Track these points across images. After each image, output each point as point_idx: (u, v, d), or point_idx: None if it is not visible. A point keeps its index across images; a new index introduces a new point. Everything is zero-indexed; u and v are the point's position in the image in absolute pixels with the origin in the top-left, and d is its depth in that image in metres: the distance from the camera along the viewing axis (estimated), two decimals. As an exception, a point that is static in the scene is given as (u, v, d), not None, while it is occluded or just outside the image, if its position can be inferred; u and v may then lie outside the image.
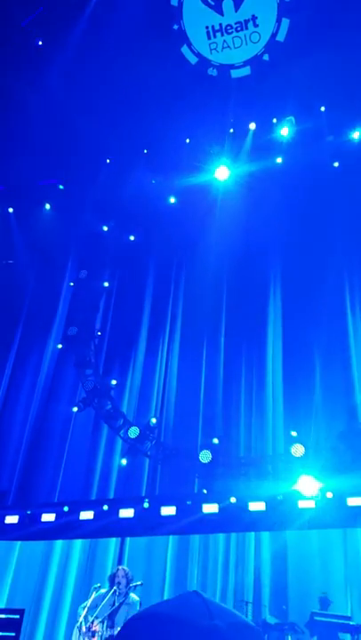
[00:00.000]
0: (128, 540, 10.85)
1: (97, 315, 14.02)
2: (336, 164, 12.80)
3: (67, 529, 11.26)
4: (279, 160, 13.21)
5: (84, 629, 6.14)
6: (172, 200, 13.97)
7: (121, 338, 13.56)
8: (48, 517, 11.42)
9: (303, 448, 10.56)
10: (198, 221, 13.23)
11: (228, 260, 12.69)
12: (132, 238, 14.31)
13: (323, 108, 12.72)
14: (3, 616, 10.68)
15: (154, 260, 14.17)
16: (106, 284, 14.39)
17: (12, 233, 15.20)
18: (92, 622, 6.15)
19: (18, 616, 10.67)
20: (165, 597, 9.78)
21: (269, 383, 11.67)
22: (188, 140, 13.65)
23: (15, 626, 10.49)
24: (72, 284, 14.71)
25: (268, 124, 13.22)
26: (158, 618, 0.70)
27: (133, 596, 6.48)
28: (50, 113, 13.11)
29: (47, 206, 14.95)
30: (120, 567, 6.91)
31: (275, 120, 13.18)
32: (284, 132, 13.20)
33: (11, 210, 15.19)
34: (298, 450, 10.59)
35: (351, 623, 8.23)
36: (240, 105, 13.00)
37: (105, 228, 14.42)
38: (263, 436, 11.17)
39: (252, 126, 13.38)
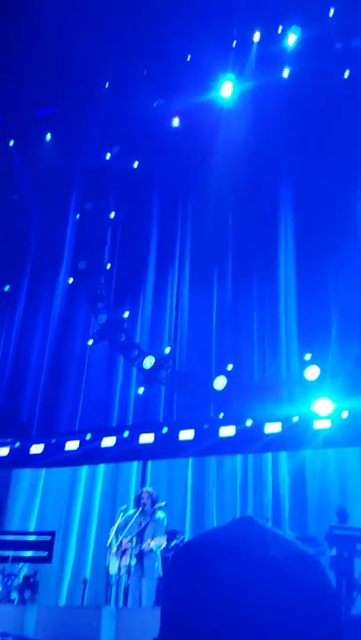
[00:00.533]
0: (149, 464, 11.21)
1: (105, 247, 13.89)
2: (347, 74, 12.10)
3: (90, 455, 11.68)
4: (286, 73, 12.53)
5: (114, 549, 6.44)
6: (176, 122, 13.43)
7: (130, 269, 13.48)
8: (72, 445, 11.82)
9: (318, 370, 10.66)
10: (203, 144, 12.76)
11: (235, 182, 12.32)
12: (135, 165, 13.92)
13: (331, 12, 11.88)
14: (34, 538, 11.33)
15: (159, 187, 13.84)
16: (112, 215, 14.16)
17: (14, 167, 14.84)
18: (122, 541, 6.45)
19: (49, 537, 11.32)
20: (188, 517, 10.23)
21: (282, 306, 11.62)
22: (188, 58, 12.95)
23: (47, 546, 11.15)
24: (78, 216, 14.51)
25: (274, 33, 12.44)
26: (210, 546, 0.67)
27: (160, 514, 6.74)
28: (44, 38, 12.43)
29: (48, 137, 14.49)
30: (144, 489, 7.18)
31: (280, 29, 12.39)
32: (291, 41, 12.42)
33: (11, 143, 14.77)
34: (312, 372, 10.69)
35: (369, 534, 8.53)
36: (243, 13, 12.19)
37: (108, 157, 14.01)
38: (277, 359, 11.25)
39: (257, 37, 12.60)
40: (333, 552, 8.48)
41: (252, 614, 0.61)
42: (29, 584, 9.11)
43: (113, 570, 6.41)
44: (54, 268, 14.24)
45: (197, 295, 12.56)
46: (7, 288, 14.41)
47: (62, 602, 10.21)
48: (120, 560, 6.36)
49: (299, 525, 8.95)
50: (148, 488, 7.22)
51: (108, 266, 13.84)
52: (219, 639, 0.61)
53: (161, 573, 6.47)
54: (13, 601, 8.55)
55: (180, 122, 13.38)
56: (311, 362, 10.70)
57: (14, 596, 8.71)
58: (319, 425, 10.31)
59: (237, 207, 12.22)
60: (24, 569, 9.23)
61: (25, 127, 14.27)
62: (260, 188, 12.31)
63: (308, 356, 10.84)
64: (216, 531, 0.71)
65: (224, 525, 0.72)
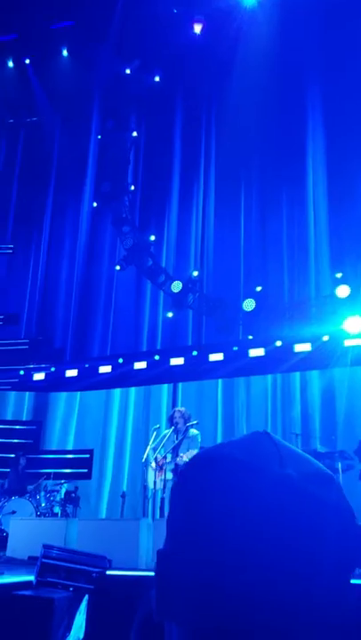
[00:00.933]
0: (180, 386, 11.44)
1: (128, 168, 13.56)
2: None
3: (123, 378, 11.97)
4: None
5: (153, 465, 6.69)
6: (197, 29, 12.63)
7: (154, 190, 13.20)
8: (105, 369, 12.12)
9: (349, 289, 10.51)
10: (227, 52, 12.05)
11: (261, 92, 11.69)
12: (157, 79, 13.30)
13: None
14: (72, 456, 11.89)
15: (182, 101, 13.27)
16: (134, 134, 13.73)
17: (32, 87, 14.35)
18: (158, 457, 6.69)
19: (88, 455, 11.88)
20: (219, 437, 10.51)
21: (312, 224, 11.32)
22: None
23: (86, 463, 11.72)
24: (100, 136, 14.11)
25: None
26: (225, 459, 0.65)
27: (193, 431, 6.93)
28: None
29: (64, 52, 13.86)
30: (176, 409, 7.35)
31: None
32: None
33: (27, 61, 14.20)
34: (343, 291, 10.55)
35: None
36: None
37: (128, 71, 13.40)
38: (307, 279, 11.09)
39: None
40: (363, 465, 8.67)
41: (268, 531, 0.59)
42: (71, 499, 9.63)
43: (150, 485, 6.70)
44: (78, 192, 14.04)
45: (224, 215, 12.30)
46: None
47: (102, 515, 10.79)
48: (156, 475, 6.63)
49: (328, 441, 9.12)
50: (179, 407, 7.39)
51: (132, 187, 13.58)
52: (230, 552, 0.60)
53: None
54: (57, 514, 9.08)
55: (202, 28, 12.58)
56: (342, 280, 10.53)
57: (57, 510, 9.24)
58: (349, 343, 10.29)
59: (264, 119, 11.65)
60: (65, 485, 9.72)
61: (40, 43, 13.64)
62: (288, 97, 11.68)
63: (338, 275, 10.66)
64: (231, 444, 0.68)
65: (239, 439, 0.69)
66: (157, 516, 6.67)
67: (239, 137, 11.79)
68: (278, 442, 0.67)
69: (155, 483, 6.62)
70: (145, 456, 6.89)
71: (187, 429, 6.89)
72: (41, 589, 2.87)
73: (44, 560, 2.96)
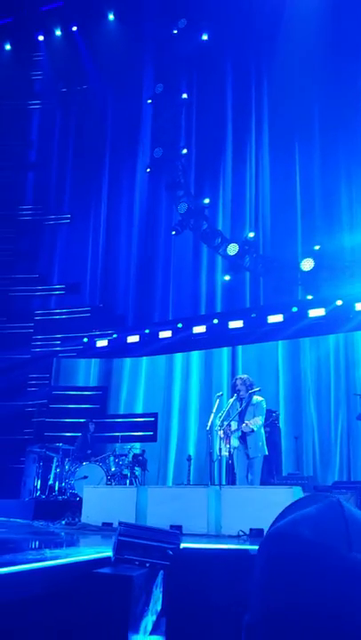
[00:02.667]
0: (240, 350, 11.50)
1: (180, 132, 13.40)
2: None
3: (183, 343, 12.15)
4: None
5: (221, 433, 6.85)
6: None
7: (207, 153, 13.02)
8: (165, 334, 12.33)
9: None
10: (277, 4, 11.55)
11: (311, 43, 11.18)
12: (204, 38, 12.94)
13: None
14: (138, 419, 12.29)
15: (231, 59, 12.88)
16: (184, 96, 13.50)
17: (81, 54, 14.28)
18: (223, 425, 6.83)
19: (153, 418, 12.25)
20: (281, 399, 10.54)
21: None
22: None
23: (152, 426, 12.11)
24: (150, 101, 13.96)
25: None
26: (295, 539, 0.67)
27: (257, 397, 7.00)
28: None
29: (110, 17, 13.65)
30: (237, 377, 7.43)
31: None
32: None
33: (74, 28, 14.09)
34: None
35: None
36: None
37: (175, 32, 13.09)
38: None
39: None
40: None
41: (331, 617, 0.61)
42: (139, 462, 10.01)
43: (216, 452, 6.87)
44: (132, 158, 14.05)
45: (279, 173, 12.02)
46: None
47: (170, 478, 11.16)
48: (223, 443, 6.77)
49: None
50: (241, 375, 7.46)
51: (185, 151, 13.45)
52: (299, 634, 0.62)
53: (266, 452, 6.84)
54: (126, 476, 9.48)
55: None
56: None
57: (126, 471, 9.64)
58: None
59: (316, 72, 11.18)
60: (133, 449, 10.09)
61: (86, 9, 13.49)
62: (340, 49, 11.13)
63: None
64: (303, 519, 0.69)
65: (312, 512, 0.70)
66: (224, 482, 6.86)
67: (292, 92, 11.41)
68: (349, 516, 0.68)
69: (220, 450, 6.79)
70: (209, 423, 7.05)
71: (250, 396, 6.98)
72: (119, 566, 3.07)
73: (120, 537, 3.15)
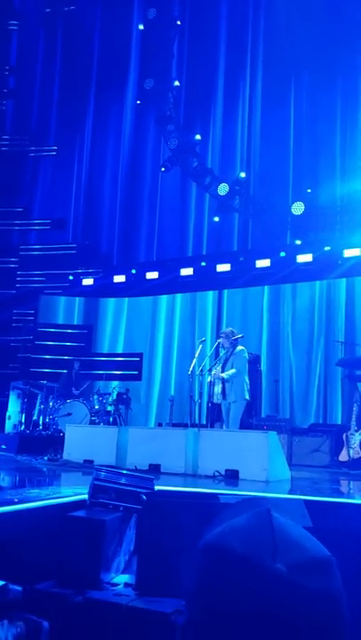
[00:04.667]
0: (225, 293, 11.50)
1: (172, 62, 12.84)
2: None
3: (169, 285, 12.11)
4: None
5: (210, 378, 6.97)
6: None
7: (199, 87, 12.55)
8: (152, 275, 12.27)
9: None
10: None
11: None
12: None
13: None
14: (123, 359, 12.41)
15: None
16: (178, 23, 12.86)
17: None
18: (204, 371, 6.93)
19: (137, 358, 12.37)
20: (264, 342, 10.65)
21: (360, 118, 10.61)
22: None
23: (136, 366, 12.24)
24: (141, 26, 13.29)
25: None
26: (224, 552, 0.69)
27: (239, 347, 7.09)
28: None
29: None
30: (222, 332, 7.48)
31: None
32: None
33: None
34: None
35: None
36: None
37: None
38: (355, 171, 10.55)
39: None
40: None
41: (258, 625, 0.64)
42: (122, 400, 10.19)
43: (196, 396, 7.01)
44: (120, 89, 13.51)
45: (272, 112, 11.65)
46: None
47: (152, 417, 11.40)
48: (205, 387, 6.91)
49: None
50: (224, 330, 7.53)
51: (177, 83, 12.94)
52: None
53: (247, 397, 6.97)
54: (110, 413, 9.66)
55: None
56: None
57: (110, 408, 9.81)
58: None
59: (314, 10, 10.64)
60: (117, 388, 10.24)
61: None
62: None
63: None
64: (233, 531, 0.70)
65: (240, 523, 0.71)
66: (203, 422, 7.03)
67: (288, 28, 10.89)
68: (277, 526, 0.69)
69: (201, 394, 6.91)
70: (191, 367, 7.14)
71: (234, 346, 7.05)
72: (94, 510, 3.17)
73: (95, 482, 3.24)
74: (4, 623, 1.24)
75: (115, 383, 10.83)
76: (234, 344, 7.03)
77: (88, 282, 12.88)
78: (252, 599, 0.65)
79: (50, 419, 9.19)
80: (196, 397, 7.06)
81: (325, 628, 0.66)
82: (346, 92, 10.78)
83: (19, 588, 1.35)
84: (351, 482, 6.33)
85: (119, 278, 12.63)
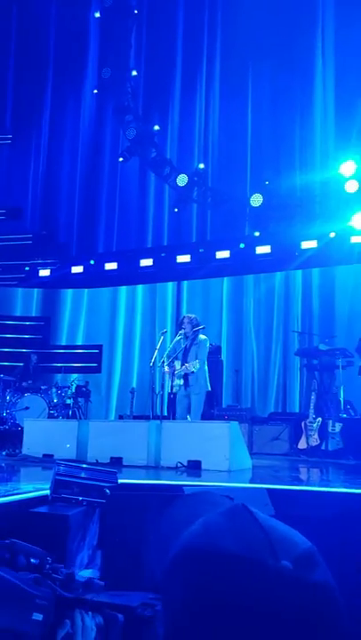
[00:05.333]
0: (185, 285, 11.51)
1: (130, 52, 12.69)
2: None
3: (129, 276, 12.03)
4: None
5: (166, 369, 6.94)
6: None
7: (157, 77, 12.45)
8: (111, 266, 12.15)
9: (357, 184, 10.21)
10: None
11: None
12: None
13: None
14: (82, 351, 12.28)
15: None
16: (135, 12, 12.70)
17: None
18: (166, 362, 6.90)
19: (97, 350, 12.26)
20: (224, 333, 10.72)
21: (320, 113, 10.73)
22: None
23: (96, 358, 12.13)
24: (98, 14, 13.08)
25: None
26: (218, 556, 0.65)
27: (201, 336, 7.10)
28: None
29: None
30: (185, 315, 7.47)
31: None
32: None
33: None
34: (352, 186, 10.25)
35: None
36: None
37: None
38: (315, 173, 10.70)
39: None
40: (363, 362, 8.94)
41: (268, 626, 0.61)
42: (82, 393, 10.09)
43: (157, 387, 6.99)
44: (78, 77, 13.27)
45: (230, 103, 11.67)
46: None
47: (113, 409, 11.34)
48: (166, 378, 6.89)
49: (329, 339, 9.30)
50: (189, 314, 7.50)
51: (134, 73, 12.80)
52: None
53: (209, 388, 6.99)
54: (69, 406, 9.55)
55: None
56: (353, 177, 10.17)
57: (69, 402, 9.70)
58: (356, 240, 10.19)
59: (274, 4, 10.67)
60: (76, 381, 10.13)
61: None
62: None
63: (346, 173, 10.23)
64: (217, 531, 0.67)
65: (220, 522, 0.68)
66: (165, 414, 7.03)
67: (247, 18, 10.90)
68: (265, 522, 0.66)
69: (162, 386, 6.90)
70: (153, 359, 7.12)
71: (195, 335, 7.05)
72: (56, 505, 3.12)
73: (57, 477, 3.19)
74: (90, 614, 1.31)
75: (74, 376, 10.71)
76: (196, 333, 7.04)
77: (45, 273, 12.66)
78: (262, 601, 0.62)
79: (7, 413, 9.02)
80: (158, 389, 7.04)
81: (330, 617, 0.64)
82: (304, 84, 10.87)
83: (102, 583, 1.42)
84: (310, 469, 6.45)
85: (77, 269, 12.47)
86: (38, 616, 1.18)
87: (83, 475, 3.30)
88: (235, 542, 0.65)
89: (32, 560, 1.39)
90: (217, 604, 0.63)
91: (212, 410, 8.63)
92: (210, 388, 7.10)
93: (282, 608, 0.61)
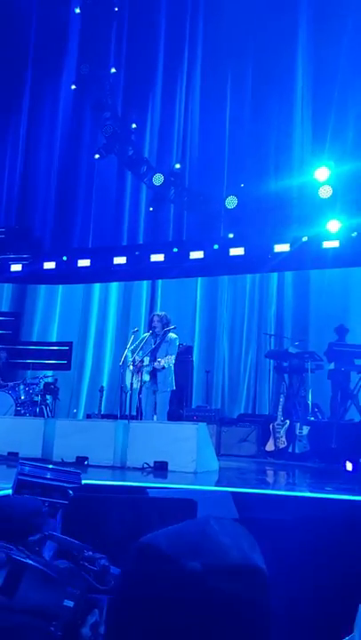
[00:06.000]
0: (159, 284, 11.50)
1: (110, 48, 12.61)
2: None
3: (102, 273, 11.95)
4: None
5: (130, 367, 6.91)
6: None
7: (137, 75, 12.39)
8: (84, 263, 12.05)
9: (331, 189, 10.32)
10: None
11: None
12: None
13: None
14: (52, 348, 12.16)
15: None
16: (116, 9, 12.62)
17: None
18: (136, 359, 6.89)
19: (67, 347, 12.15)
20: (196, 333, 10.74)
21: (299, 120, 10.83)
22: None
23: (66, 355, 12.02)
24: (78, 9, 12.96)
25: None
26: (150, 548, 0.71)
27: (171, 335, 7.10)
28: None
29: None
30: (155, 313, 7.46)
31: None
32: None
33: None
34: (325, 191, 10.36)
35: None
36: None
37: None
38: (291, 178, 10.79)
39: None
40: (332, 366, 9.06)
41: (169, 617, 0.67)
42: (50, 390, 9.99)
43: (128, 386, 6.96)
44: (56, 73, 13.13)
45: (209, 105, 11.68)
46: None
47: (82, 407, 11.26)
48: (134, 377, 6.88)
49: (299, 343, 9.40)
50: (158, 312, 7.50)
51: (114, 70, 12.73)
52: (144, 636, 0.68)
53: (174, 387, 7.02)
54: (37, 403, 9.44)
55: None
56: (327, 182, 10.28)
57: (37, 399, 9.59)
58: (328, 245, 10.28)
59: (255, 4, 10.72)
60: (44, 378, 10.03)
61: None
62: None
63: (320, 178, 10.32)
64: (169, 530, 0.73)
65: (182, 525, 0.74)
66: (135, 414, 7.01)
67: (229, 21, 10.93)
68: (208, 532, 0.70)
69: (131, 384, 6.88)
70: (123, 358, 7.09)
71: (165, 333, 7.05)
72: (18, 505, 3.08)
73: (20, 477, 3.14)
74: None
75: (43, 372, 10.61)
76: (166, 331, 7.03)
77: (16, 268, 12.49)
78: (168, 594, 0.67)
79: (-26, 410, 8.89)
80: (127, 388, 7.02)
81: (238, 632, 0.68)
82: (282, 88, 10.94)
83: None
84: (276, 472, 6.50)
85: (50, 265, 12.33)
86: (69, 603, 1.31)
87: (46, 475, 3.26)
88: (169, 542, 0.71)
89: (70, 551, 1.59)
90: (140, 593, 0.69)
91: (181, 410, 8.64)
92: (175, 387, 7.12)
93: (185, 605, 0.67)
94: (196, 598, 0.66)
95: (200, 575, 0.66)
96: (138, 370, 6.89)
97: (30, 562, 1.37)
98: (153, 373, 6.92)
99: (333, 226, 10.17)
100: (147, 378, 6.92)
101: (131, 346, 7.22)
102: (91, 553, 1.59)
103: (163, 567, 0.68)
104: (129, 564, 0.72)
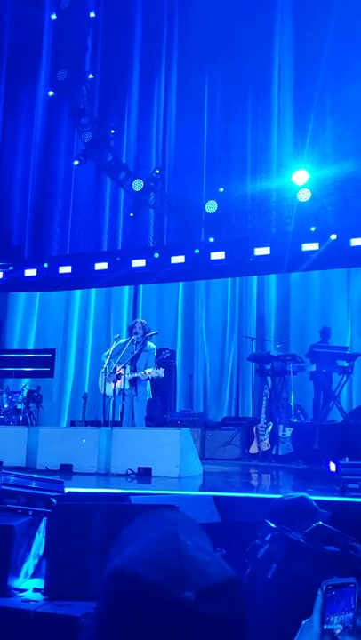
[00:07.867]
0: (141, 289, 11.50)
1: (86, 54, 12.63)
2: None
3: (83, 280, 11.93)
4: None
5: (108, 373, 6.91)
6: None
7: (114, 80, 12.42)
8: (65, 269, 12.01)
9: (310, 193, 10.43)
10: None
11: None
12: None
13: None
14: (34, 355, 12.09)
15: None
16: (92, 15, 12.65)
17: None
18: (116, 367, 6.90)
19: (50, 355, 12.09)
20: (178, 337, 10.77)
21: (276, 124, 10.94)
22: None
23: (48, 362, 11.96)
24: (54, 16, 12.96)
25: None
26: (130, 580, 0.68)
27: (150, 344, 7.13)
28: None
29: None
30: (138, 320, 7.49)
31: None
32: None
33: None
34: (304, 195, 10.47)
35: (347, 352, 9.13)
36: None
37: None
38: (270, 182, 10.88)
39: None
40: (313, 368, 9.14)
41: None
42: (33, 398, 9.94)
43: (109, 393, 6.97)
44: (32, 79, 13.09)
45: (187, 110, 11.73)
46: None
47: (65, 414, 11.21)
48: (114, 384, 6.90)
49: (281, 346, 9.48)
50: (141, 319, 7.53)
51: (91, 76, 12.74)
52: None
53: (151, 396, 7.08)
54: (20, 411, 9.39)
55: None
56: (305, 186, 10.39)
57: (20, 407, 9.54)
58: (308, 247, 10.36)
59: (230, 11, 10.81)
60: (27, 386, 9.98)
61: None
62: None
63: (300, 178, 10.42)
64: (139, 554, 0.70)
65: (147, 546, 0.71)
66: (118, 420, 7.02)
67: (205, 25, 11.00)
68: (185, 551, 0.69)
69: (113, 391, 6.89)
70: (105, 366, 7.09)
71: (145, 342, 7.07)
72: (1, 515, 3.08)
73: (3, 487, 3.15)
74: None
75: (26, 380, 10.55)
76: (146, 338, 7.06)
77: (-3, 275, 12.41)
78: (162, 630, 0.65)
79: None
80: (110, 394, 7.02)
81: None
82: (259, 91, 11.04)
83: None
84: (260, 474, 6.54)
85: (30, 272, 12.27)
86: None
87: (30, 484, 3.27)
88: (149, 568, 0.68)
89: (337, 540, 2.12)
90: (127, 626, 0.66)
91: (165, 415, 8.66)
92: (151, 396, 7.22)
93: (182, 637, 0.65)
94: (189, 626, 0.65)
95: (193, 604, 0.65)
96: (118, 377, 6.91)
97: (302, 541, 1.98)
98: (133, 381, 6.95)
99: (313, 228, 10.29)
100: (127, 386, 6.94)
101: (112, 353, 7.22)
102: (355, 544, 2.06)
103: (151, 598, 0.65)
104: (108, 592, 0.69)
